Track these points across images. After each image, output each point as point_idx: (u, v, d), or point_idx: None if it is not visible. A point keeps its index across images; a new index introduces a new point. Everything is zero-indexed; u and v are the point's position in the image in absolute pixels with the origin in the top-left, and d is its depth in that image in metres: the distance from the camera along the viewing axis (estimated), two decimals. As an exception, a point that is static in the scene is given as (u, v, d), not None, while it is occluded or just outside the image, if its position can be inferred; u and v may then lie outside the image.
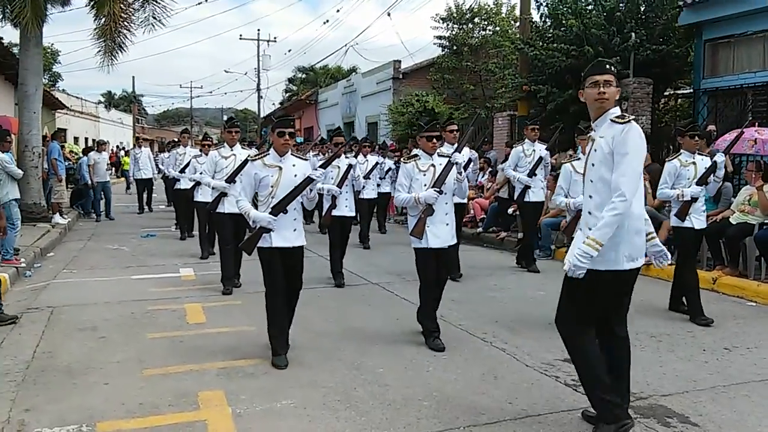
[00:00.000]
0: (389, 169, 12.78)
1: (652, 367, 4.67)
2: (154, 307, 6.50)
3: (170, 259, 9.41)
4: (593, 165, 3.43)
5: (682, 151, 6.05)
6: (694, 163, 5.95)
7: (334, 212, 7.62)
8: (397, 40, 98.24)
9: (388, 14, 46.05)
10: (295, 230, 4.78)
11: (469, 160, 6.84)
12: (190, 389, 4.22)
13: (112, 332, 5.61)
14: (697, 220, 5.98)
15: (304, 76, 44.15)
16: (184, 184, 10.99)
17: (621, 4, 12.43)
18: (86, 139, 34.66)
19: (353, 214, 8.00)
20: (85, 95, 40.43)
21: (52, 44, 33.24)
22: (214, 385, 4.32)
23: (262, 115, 43.01)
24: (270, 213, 4.65)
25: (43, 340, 5.35)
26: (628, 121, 3.33)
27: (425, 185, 5.11)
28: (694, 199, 5.89)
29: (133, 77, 55.88)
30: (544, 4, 13.74)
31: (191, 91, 62.73)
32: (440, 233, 5.11)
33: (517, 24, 17.04)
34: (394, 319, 6.06)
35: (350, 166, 7.53)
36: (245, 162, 6.79)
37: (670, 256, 3.74)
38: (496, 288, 7.50)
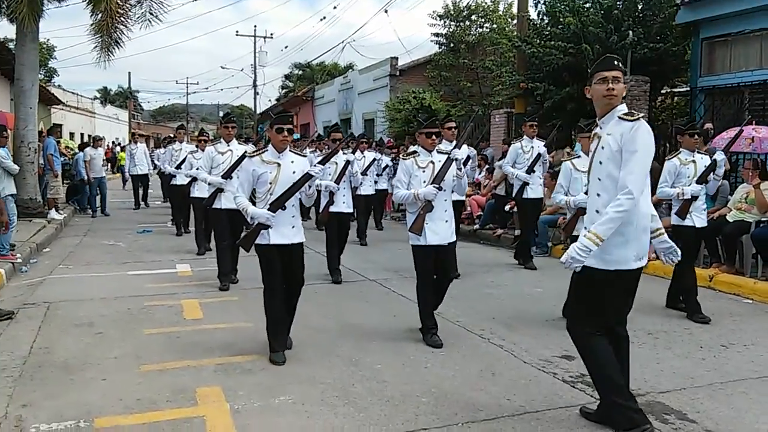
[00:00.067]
0: (386, 165, 12.79)
1: (650, 364, 4.68)
2: (151, 303, 6.48)
3: (167, 255, 9.39)
4: (600, 163, 3.38)
5: (681, 149, 6.05)
6: (693, 161, 5.95)
7: (332, 208, 7.60)
8: (394, 37, 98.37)
9: (386, 11, 45.93)
10: (293, 227, 4.76)
11: (468, 157, 6.83)
12: (187, 385, 4.21)
13: (109, 328, 5.59)
14: (698, 218, 5.99)
15: (300, 72, 44.01)
16: (180, 180, 10.97)
17: (618, 2, 12.46)
18: (82, 134, 34.51)
19: (351, 210, 7.99)
20: (80, 91, 40.11)
21: (48, 39, 33.06)
22: (211, 381, 4.31)
23: (258, 112, 42.89)
24: (268, 209, 4.63)
25: (39, 336, 5.33)
26: (638, 118, 3.29)
27: (424, 182, 5.09)
28: (695, 198, 5.89)
29: (129, 73, 55.52)
30: (542, 1, 13.78)
31: (187, 87, 62.47)
32: (439, 230, 5.10)
33: (515, 21, 17.05)
34: (392, 316, 6.06)
35: (348, 163, 7.52)
36: (242, 157, 6.80)
37: (679, 252, 3.70)
38: (494, 285, 7.50)
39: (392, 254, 9.43)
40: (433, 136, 5.21)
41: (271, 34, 51.38)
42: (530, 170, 8.21)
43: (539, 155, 8.23)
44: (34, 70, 13.13)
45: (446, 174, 5.08)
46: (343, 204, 7.75)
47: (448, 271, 5.31)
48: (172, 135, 16.79)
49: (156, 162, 16.49)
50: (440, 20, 20.71)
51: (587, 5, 12.74)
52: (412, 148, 5.77)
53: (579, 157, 5.82)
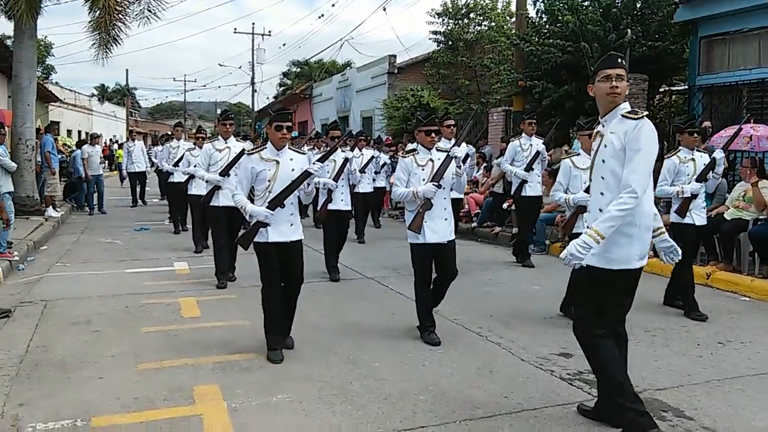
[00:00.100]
0: (384, 163, 12.78)
1: (647, 361, 4.69)
2: (149, 300, 6.47)
3: (164, 253, 9.38)
4: (603, 161, 3.35)
5: (680, 147, 6.05)
6: (693, 159, 5.95)
7: (330, 206, 7.57)
8: (392, 34, 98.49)
9: (384, 9, 45.76)
10: (292, 225, 4.75)
11: (467, 155, 6.82)
12: (185, 383, 4.21)
13: (107, 326, 5.58)
14: (698, 216, 6.00)
15: (298, 70, 44.00)
16: (178, 177, 10.95)
17: (617, 1, 12.44)
18: (79, 132, 34.49)
19: (349, 208, 7.97)
20: (78, 88, 40.29)
21: (46, 37, 33.08)
22: (209, 379, 4.31)
23: (256, 109, 42.86)
24: (267, 207, 4.62)
25: (36, 334, 5.32)
26: (641, 116, 3.26)
27: (423, 180, 5.08)
28: (694, 196, 5.89)
29: (127, 70, 55.22)
30: (540, -1, 13.74)
31: (185, 85, 62.36)
32: (438, 228, 5.08)
33: (513, 19, 17.04)
34: (390, 314, 6.06)
35: (347, 160, 7.51)
36: (240, 154, 6.79)
37: (680, 252, 3.67)
38: (491, 282, 7.51)
39: (390, 252, 9.43)
40: (433, 134, 5.20)
41: (269, 32, 51.41)
42: (529, 168, 8.21)
43: (538, 153, 8.22)
44: (31, 68, 13.10)
45: (445, 172, 5.06)
46: (342, 202, 7.72)
47: (449, 271, 5.25)
48: (169, 132, 16.82)
49: (153, 159, 16.48)
50: (439, 18, 20.71)
51: (586, 3, 12.73)
52: (410, 146, 5.75)
53: (579, 154, 5.81)
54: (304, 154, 5.04)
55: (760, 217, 7.32)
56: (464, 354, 4.88)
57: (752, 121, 8.69)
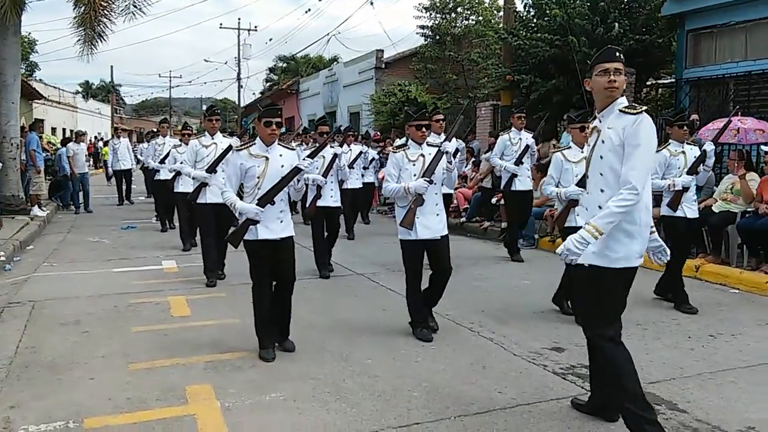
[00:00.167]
0: (372, 158, 12.74)
1: (639, 354, 4.67)
2: (138, 300, 6.42)
3: (152, 252, 9.31)
4: (601, 157, 3.28)
5: (670, 141, 6.07)
6: (683, 152, 5.97)
7: (319, 203, 7.53)
8: (379, 29, 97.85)
9: (371, 3, 45.57)
10: (281, 222, 4.71)
11: (457, 150, 6.81)
12: (177, 383, 4.17)
13: (96, 326, 5.53)
14: (689, 209, 6.02)
15: (285, 65, 43.79)
16: (164, 174, 10.86)
17: (605, -6, 12.44)
18: (64, 129, 34.18)
19: (338, 204, 7.93)
20: (62, 85, 39.91)
21: (29, 33, 32.70)
22: (201, 378, 4.27)
23: (242, 105, 42.66)
24: (257, 204, 4.58)
25: (25, 335, 5.26)
26: (640, 111, 3.20)
27: (414, 175, 5.05)
28: (686, 189, 5.91)
29: (112, 67, 55.10)
30: (528, -7, 13.73)
31: (170, 81, 61.93)
32: (430, 224, 5.05)
33: (501, 13, 17.03)
34: (381, 310, 6.05)
35: (335, 156, 7.47)
36: (226, 150, 6.74)
37: (669, 252, 3.64)
38: (482, 278, 7.51)
39: (380, 248, 9.41)
40: (424, 129, 5.17)
41: (255, 27, 51.00)
42: (518, 162, 8.21)
43: (527, 147, 8.23)
44: (16, 65, 12.96)
45: (437, 167, 5.03)
46: (331, 198, 7.66)
47: (444, 267, 5.17)
48: (155, 129, 16.65)
49: (139, 157, 16.32)
50: (426, 12, 20.70)
51: (573, -3, 12.74)
52: (399, 141, 5.73)
53: (569, 148, 5.81)
54: (293, 150, 4.99)
55: (748, 209, 7.36)
56: (457, 350, 4.87)
57: (740, 113, 8.74)
